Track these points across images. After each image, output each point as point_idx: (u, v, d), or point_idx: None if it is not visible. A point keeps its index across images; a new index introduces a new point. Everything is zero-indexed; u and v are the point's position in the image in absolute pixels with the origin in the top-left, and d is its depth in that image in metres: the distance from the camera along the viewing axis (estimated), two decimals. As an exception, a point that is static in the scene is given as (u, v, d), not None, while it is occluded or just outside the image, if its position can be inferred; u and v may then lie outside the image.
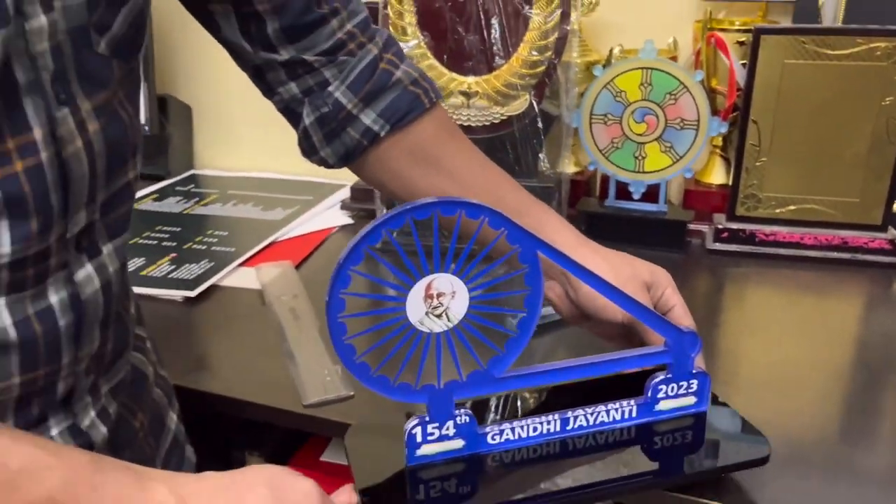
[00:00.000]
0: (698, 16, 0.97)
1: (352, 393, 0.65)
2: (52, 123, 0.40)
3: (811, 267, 0.88)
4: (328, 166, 0.62)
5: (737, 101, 0.91)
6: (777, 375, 0.68)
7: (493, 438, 0.51)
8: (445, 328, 0.46)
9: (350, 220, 1.07)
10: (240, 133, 1.31)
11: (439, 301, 0.46)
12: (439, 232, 0.51)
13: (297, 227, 1.04)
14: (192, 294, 0.83)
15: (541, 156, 0.90)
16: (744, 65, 0.88)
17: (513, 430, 0.51)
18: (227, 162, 1.32)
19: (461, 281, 0.46)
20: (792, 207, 0.90)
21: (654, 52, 0.87)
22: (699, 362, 0.54)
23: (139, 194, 1.16)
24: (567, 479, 0.50)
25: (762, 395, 0.65)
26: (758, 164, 0.88)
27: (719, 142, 1.00)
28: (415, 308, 0.45)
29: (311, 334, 0.74)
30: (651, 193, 0.94)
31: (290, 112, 0.61)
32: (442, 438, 0.50)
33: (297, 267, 0.91)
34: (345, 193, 1.12)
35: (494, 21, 0.85)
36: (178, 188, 1.21)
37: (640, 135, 0.91)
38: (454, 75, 0.89)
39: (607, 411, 0.53)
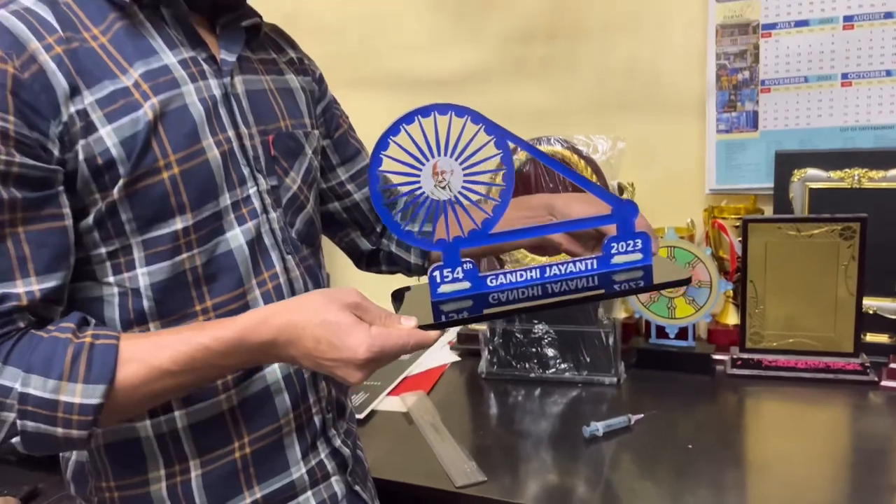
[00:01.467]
0: (706, 204, 1.35)
1: (485, 478, 0.99)
2: (284, 262, 0.78)
3: (805, 385, 1.19)
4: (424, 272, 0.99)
5: (738, 266, 1.27)
6: (786, 462, 0.98)
7: (490, 281, 0.68)
8: (449, 196, 0.64)
9: (458, 358, 1.43)
10: (365, 290, 1.71)
11: (443, 177, 0.63)
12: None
13: (421, 365, 1.41)
14: (362, 416, 1.19)
15: (600, 311, 1.26)
16: (740, 241, 1.24)
17: (505, 275, 0.68)
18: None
19: (457, 162, 0.63)
20: (789, 340, 1.23)
21: (675, 235, 1.25)
22: (644, 226, 0.70)
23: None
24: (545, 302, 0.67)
25: (777, 474, 0.95)
26: (757, 310, 1.22)
27: (730, 293, 1.35)
28: (427, 181, 0.63)
29: (449, 441, 1.09)
30: (682, 332, 1.28)
31: (389, 256, 1.00)
32: (454, 280, 0.67)
33: (429, 393, 1.27)
34: (451, 336, 1.49)
35: (561, 221, 1.24)
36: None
37: (671, 293, 1.27)
38: (534, 256, 1.28)
39: (574, 263, 0.68)
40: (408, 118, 0.62)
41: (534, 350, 1.29)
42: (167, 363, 0.65)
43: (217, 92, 0.75)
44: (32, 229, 0.65)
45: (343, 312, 0.64)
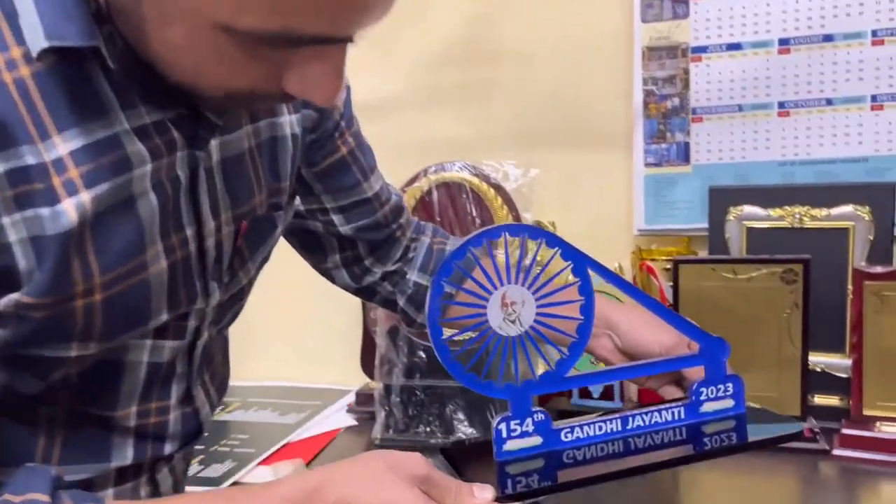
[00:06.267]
0: (635, 247, 1.20)
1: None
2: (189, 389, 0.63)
3: (747, 454, 1.02)
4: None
5: (670, 315, 1.11)
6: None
7: (565, 436, 0.59)
8: (519, 332, 0.55)
9: (355, 422, 1.23)
10: (260, 346, 1.51)
11: (512, 308, 0.55)
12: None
13: (309, 430, 1.20)
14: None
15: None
16: (671, 286, 1.09)
17: (582, 428, 0.59)
18: (250, 373, 1.50)
19: (528, 292, 0.55)
20: (728, 402, 1.06)
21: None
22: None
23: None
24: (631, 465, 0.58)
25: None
26: (691, 366, 1.06)
27: (663, 347, 1.18)
28: (494, 315, 0.54)
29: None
30: (608, 392, 1.11)
31: (388, 302, 0.85)
32: (523, 435, 0.57)
33: (308, 464, 1.06)
34: (350, 398, 1.29)
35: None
36: (205, 397, 1.39)
37: (593, 344, 1.10)
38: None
39: (659, 412, 0.61)
40: (475, 240, 0.54)
41: (436, 411, 1.10)
42: None
43: (183, 172, 0.54)
44: None
45: (409, 489, 0.51)
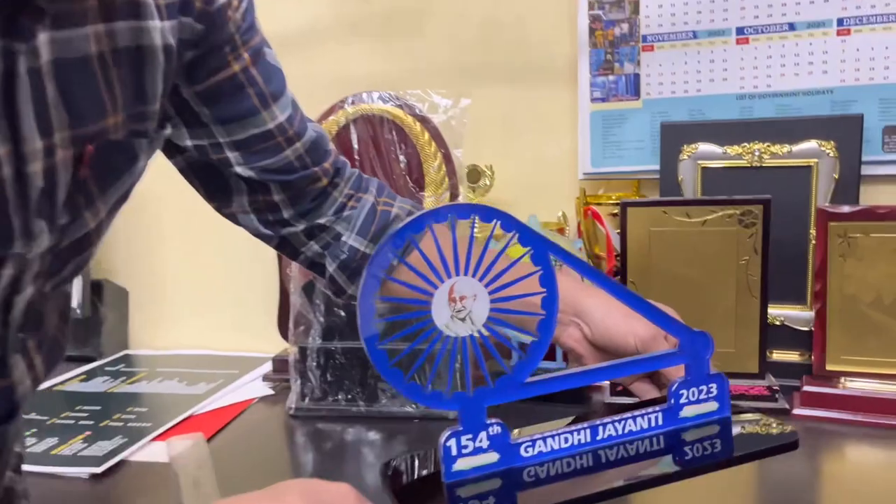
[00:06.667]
0: (580, 192, 1.09)
1: (239, 561, 0.66)
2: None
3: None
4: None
5: (617, 264, 1.01)
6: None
7: (526, 450, 0.52)
8: (470, 332, 0.48)
9: (271, 391, 1.10)
10: (174, 313, 1.36)
11: (462, 304, 0.47)
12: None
13: (218, 400, 1.07)
14: (98, 470, 0.84)
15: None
16: (619, 233, 0.98)
17: (545, 440, 0.52)
18: (162, 341, 1.36)
19: (481, 284, 0.47)
20: (680, 360, 0.96)
21: (537, 225, 0.97)
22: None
23: (66, 375, 1.19)
24: (603, 487, 0.50)
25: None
26: (641, 321, 0.96)
27: (610, 302, 1.08)
28: (440, 312, 0.47)
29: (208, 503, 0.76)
30: (550, 352, 1.00)
31: (315, 265, 0.72)
32: (476, 451, 0.50)
33: (212, 438, 0.94)
34: (268, 367, 1.16)
35: (391, 203, 0.95)
36: (107, 368, 1.24)
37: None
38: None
39: (634, 419, 0.54)
40: (415, 224, 0.46)
41: (357, 376, 0.98)
42: None
43: None
44: None
45: None
